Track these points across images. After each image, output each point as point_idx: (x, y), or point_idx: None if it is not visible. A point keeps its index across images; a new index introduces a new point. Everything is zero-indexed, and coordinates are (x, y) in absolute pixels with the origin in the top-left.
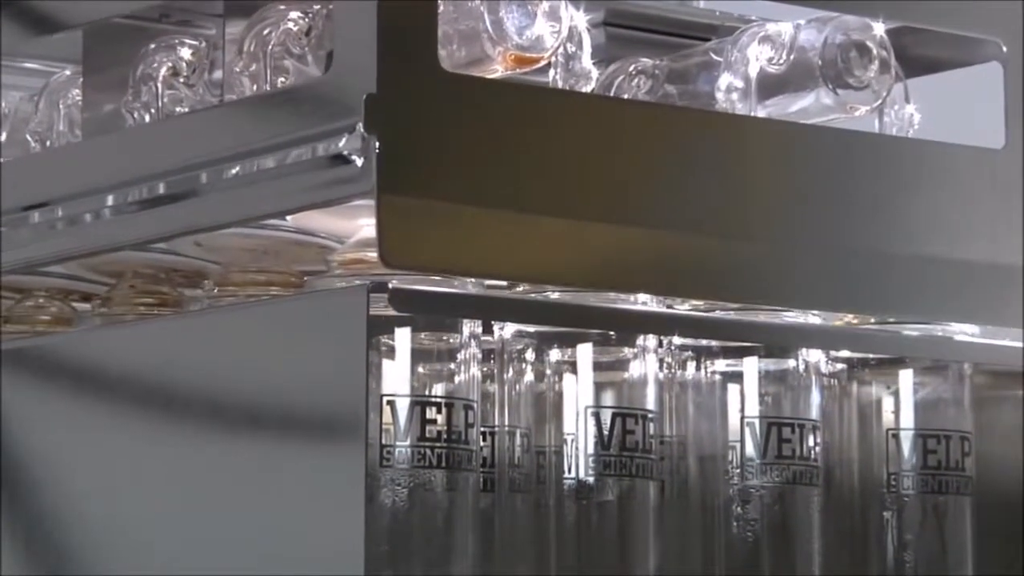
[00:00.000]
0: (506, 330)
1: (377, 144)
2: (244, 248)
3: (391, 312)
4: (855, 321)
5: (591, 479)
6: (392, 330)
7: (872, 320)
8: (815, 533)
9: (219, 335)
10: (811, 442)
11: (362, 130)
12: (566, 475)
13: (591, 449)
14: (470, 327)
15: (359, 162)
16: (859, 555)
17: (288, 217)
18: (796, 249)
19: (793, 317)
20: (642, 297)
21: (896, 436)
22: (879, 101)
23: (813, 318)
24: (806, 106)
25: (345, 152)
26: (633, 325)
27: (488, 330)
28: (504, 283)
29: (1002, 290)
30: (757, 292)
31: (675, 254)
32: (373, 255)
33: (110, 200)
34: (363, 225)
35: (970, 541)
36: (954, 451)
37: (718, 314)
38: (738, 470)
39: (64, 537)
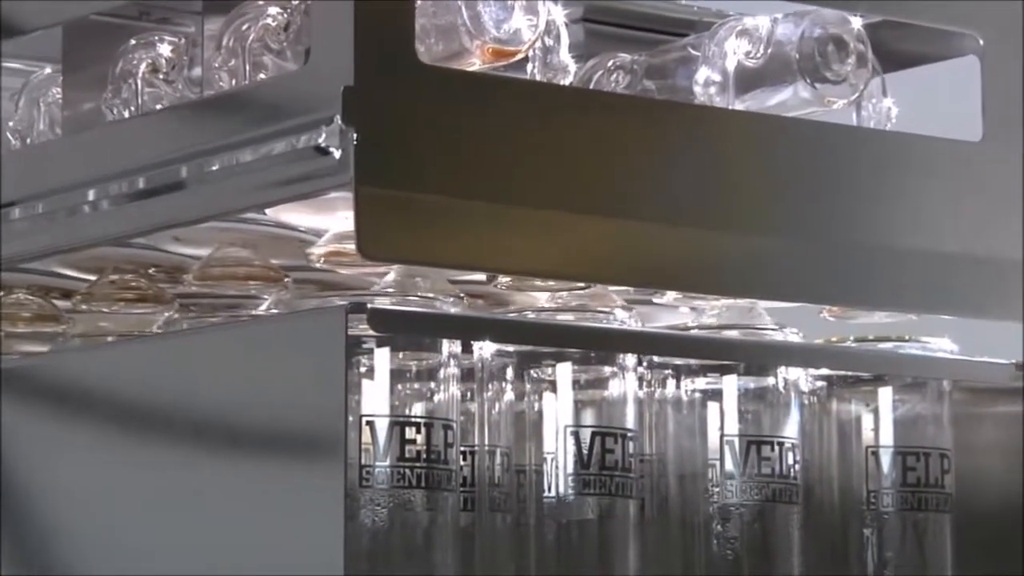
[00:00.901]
0: (485, 349)
1: (355, 136)
2: (223, 242)
3: (370, 332)
4: (834, 338)
5: (571, 498)
6: (371, 350)
7: (851, 338)
8: (795, 551)
9: (199, 356)
10: (791, 460)
11: (340, 122)
12: (546, 494)
13: (571, 468)
14: (449, 347)
15: (337, 154)
16: (839, 573)
17: (267, 211)
18: (776, 241)
19: (772, 335)
20: (620, 313)
21: (876, 453)
22: (856, 95)
23: (793, 336)
24: (784, 100)
25: (323, 144)
26: (612, 344)
27: (467, 349)
28: (483, 275)
29: (980, 282)
30: (738, 284)
31: (655, 246)
32: (352, 247)
33: (90, 195)
34: (342, 218)
35: (950, 558)
36: (934, 468)
37: (698, 333)
38: (718, 488)
39: (46, 557)
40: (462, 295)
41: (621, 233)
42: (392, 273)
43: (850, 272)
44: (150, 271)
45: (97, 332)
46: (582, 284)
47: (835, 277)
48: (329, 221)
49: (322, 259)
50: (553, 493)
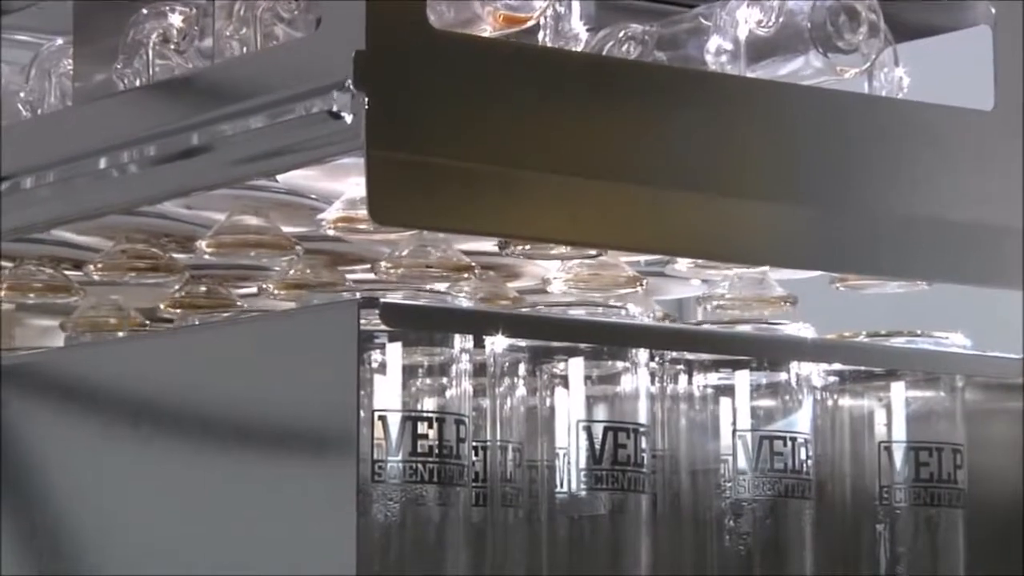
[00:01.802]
0: (497, 344)
1: (366, 101)
2: (235, 209)
3: (382, 327)
4: (847, 333)
5: (583, 493)
6: (383, 345)
7: (863, 333)
8: (807, 546)
9: (211, 352)
10: (803, 455)
11: (352, 87)
12: (558, 489)
13: (583, 463)
14: (461, 342)
15: (348, 119)
16: (852, 568)
17: (279, 178)
18: (786, 209)
19: (785, 330)
20: (632, 308)
21: (888, 449)
22: (868, 64)
23: (805, 331)
24: (796, 69)
25: (335, 109)
26: (625, 339)
27: (480, 344)
28: (494, 239)
29: (991, 250)
30: (749, 251)
31: (667, 212)
32: (363, 213)
33: (102, 163)
34: (353, 184)
35: (963, 553)
36: (946, 463)
37: (710, 328)
38: (730, 483)
39: (56, 553)
40: (473, 264)
41: (633, 199)
42: (404, 243)
43: (860, 240)
44: (162, 240)
45: (108, 305)
46: (593, 252)
47: (845, 245)
48: (341, 187)
49: (333, 225)
50: (565, 488)
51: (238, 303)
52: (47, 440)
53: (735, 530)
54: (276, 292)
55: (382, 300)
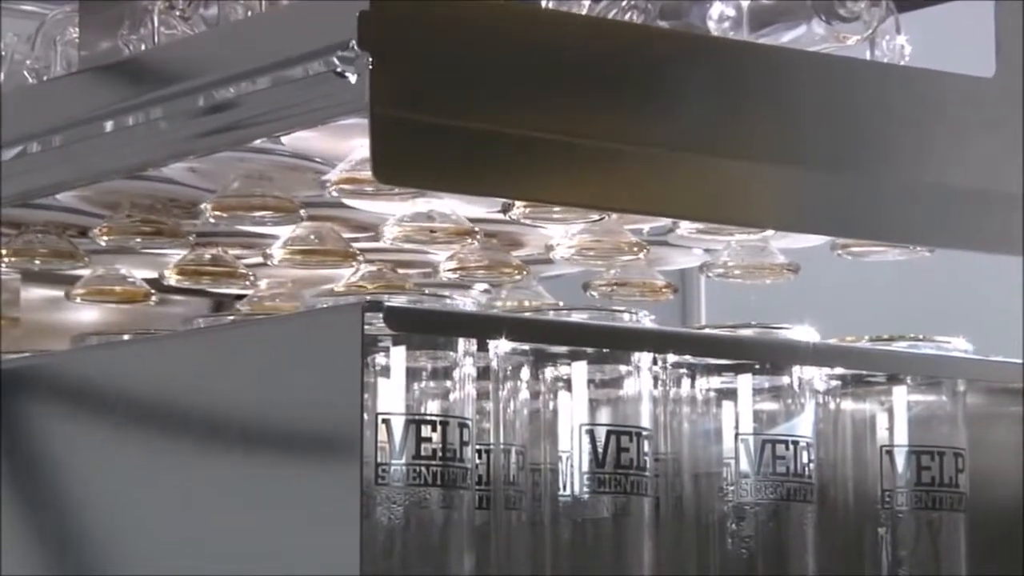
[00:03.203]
0: (501, 348)
1: (370, 60)
2: (239, 174)
3: (386, 331)
4: (849, 338)
5: (586, 496)
6: (387, 349)
7: (866, 337)
8: (809, 550)
9: (216, 354)
10: (805, 459)
11: (355, 47)
12: (561, 492)
13: (586, 466)
14: (465, 345)
15: (352, 78)
16: (854, 571)
17: (283, 139)
18: (788, 172)
19: (788, 334)
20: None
21: (890, 452)
22: (870, 31)
23: (812, 334)
24: (798, 36)
25: (339, 69)
26: (628, 343)
27: (483, 348)
28: (498, 200)
29: (993, 217)
30: (752, 214)
31: (672, 174)
32: (367, 174)
33: (108, 127)
34: (357, 146)
35: (964, 557)
36: (948, 467)
37: (713, 332)
38: (732, 487)
39: (62, 555)
40: (476, 229)
41: (635, 161)
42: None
43: (863, 205)
44: (167, 206)
45: (112, 272)
46: (596, 216)
47: (847, 210)
48: (345, 148)
49: (336, 186)
50: (568, 491)
51: (242, 271)
52: (52, 443)
53: (737, 534)
54: (279, 260)
55: (386, 304)
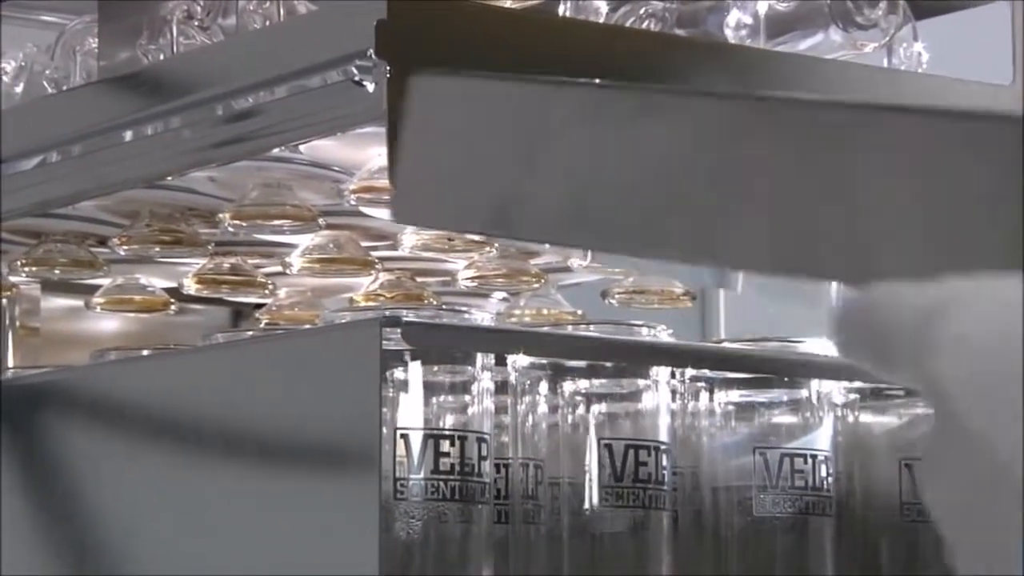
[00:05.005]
0: (519, 362)
1: (388, 69)
2: (258, 183)
3: (404, 346)
4: None
5: (604, 511)
6: (405, 364)
7: None
8: (829, 563)
9: (234, 369)
10: (824, 472)
11: (373, 56)
12: (579, 507)
13: (604, 480)
14: (483, 360)
15: (370, 87)
16: None
17: (301, 148)
18: None
19: (806, 348)
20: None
21: (909, 465)
22: (887, 39)
23: (829, 347)
24: (815, 44)
25: (356, 78)
26: (646, 357)
27: (501, 362)
28: None
29: None
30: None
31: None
32: (384, 182)
33: (127, 136)
34: (375, 154)
35: None
36: None
37: (731, 346)
38: (751, 500)
39: (79, 570)
40: None
41: None
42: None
43: None
44: (186, 216)
45: (131, 282)
46: None
47: None
48: (363, 157)
49: (355, 195)
50: (587, 506)
51: (261, 279)
52: (71, 458)
53: (756, 547)
54: (298, 269)
55: (404, 319)
